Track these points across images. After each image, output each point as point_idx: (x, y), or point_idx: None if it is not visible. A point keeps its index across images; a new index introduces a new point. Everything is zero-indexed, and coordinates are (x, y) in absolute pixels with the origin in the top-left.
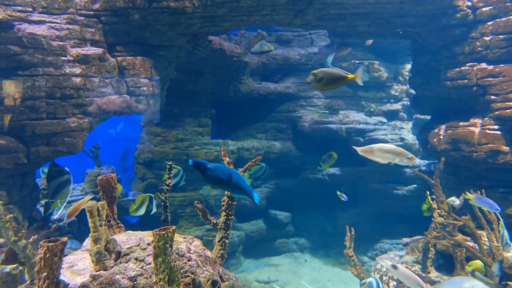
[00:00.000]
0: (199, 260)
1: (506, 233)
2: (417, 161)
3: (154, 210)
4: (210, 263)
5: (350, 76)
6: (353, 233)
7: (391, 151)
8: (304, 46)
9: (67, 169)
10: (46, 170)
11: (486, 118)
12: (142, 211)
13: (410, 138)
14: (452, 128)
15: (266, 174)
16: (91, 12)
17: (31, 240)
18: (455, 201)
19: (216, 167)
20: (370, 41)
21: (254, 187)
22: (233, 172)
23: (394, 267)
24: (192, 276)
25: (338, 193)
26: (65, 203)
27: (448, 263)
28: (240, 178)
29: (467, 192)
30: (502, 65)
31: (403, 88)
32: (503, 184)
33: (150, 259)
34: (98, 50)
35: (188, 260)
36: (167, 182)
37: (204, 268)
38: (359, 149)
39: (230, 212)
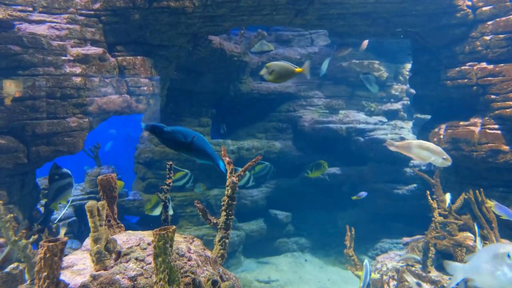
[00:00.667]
0: (199, 260)
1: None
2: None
3: (171, 212)
4: (210, 263)
5: (298, 69)
6: (353, 232)
7: (429, 149)
8: (304, 45)
9: (69, 172)
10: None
11: (486, 118)
12: (157, 212)
13: (410, 137)
14: (452, 128)
15: (271, 173)
16: (92, 12)
17: (31, 240)
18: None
19: (175, 130)
20: (365, 45)
21: (256, 187)
22: (196, 135)
23: (419, 284)
24: (192, 276)
25: (354, 197)
26: (68, 205)
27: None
28: (204, 142)
29: (487, 200)
30: (502, 64)
31: (403, 88)
32: (503, 184)
33: (150, 259)
34: (98, 50)
35: (188, 260)
36: (167, 182)
37: (205, 268)
38: (395, 144)
39: (230, 212)
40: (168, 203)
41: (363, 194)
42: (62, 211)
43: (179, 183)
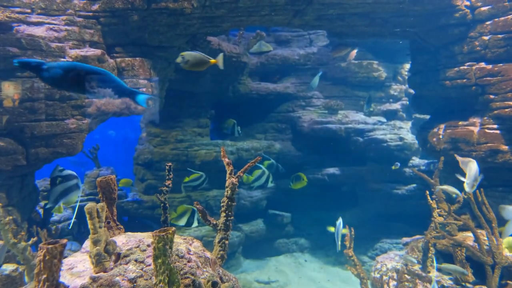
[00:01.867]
0: (199, 261)
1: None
2: (417, 160)
3: (195, 224)
4: (210, 264)
5: (212, 60)
6: (353, 232)
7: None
8: (303, 46)
9: (74, 173)
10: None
11: (485, 118)
12: (182, 222)
13: (409, 137)
14: (451, 128)
15: (280, 171)
16: (90, 13)
17: (30, 242)
18: (454, 191)
19: (56, 65)
20: (353, 55)
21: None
22: (83, 66)
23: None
24: (192, 277)
25: None
26: (76, 209)
27: (448, 263)
28: (103, 75)
29: (502, 205)
30: (501, 64)
31: (402, 88)
32: (502, 183)
33: (150, 260)
34: (97, 51)
35: (188, 261)
36: (166, 183)
37: (204, 269)
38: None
39: (229, 213)
40: (167, 205)
41: None
42: (72, 213)
43: (195, 183)
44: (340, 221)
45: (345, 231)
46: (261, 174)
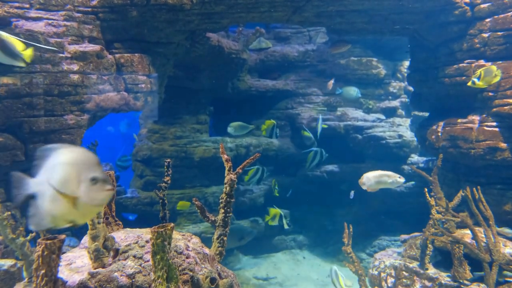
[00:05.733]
0: (197, 258)
1: None
2: (415, 158)
3: (286, 227)
4: (209, 260)
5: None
6: (351, 230)
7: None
8: (302, 43)
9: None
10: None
11: (484, 115)
12: (275, 222)
13: (408, 135)
14: (450, 125)
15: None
16: (89, 9)
17: (29, 237)
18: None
19: None
20: (330, 85)
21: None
22: None
23: None
24: (191, 273)
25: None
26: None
27: (446, 260)
28: None
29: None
30: (500, 62)
31: (401, 85)
32: (501, 181)
33: (148, 256)
34: (96, 47)
35: (187, 258)
36: (165, 180)
37: (203, 265)
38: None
39: (228, 210)
40: (166, 201)
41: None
42: None
43: (256, 177)
44: (335, 269)
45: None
46: (256, 171)
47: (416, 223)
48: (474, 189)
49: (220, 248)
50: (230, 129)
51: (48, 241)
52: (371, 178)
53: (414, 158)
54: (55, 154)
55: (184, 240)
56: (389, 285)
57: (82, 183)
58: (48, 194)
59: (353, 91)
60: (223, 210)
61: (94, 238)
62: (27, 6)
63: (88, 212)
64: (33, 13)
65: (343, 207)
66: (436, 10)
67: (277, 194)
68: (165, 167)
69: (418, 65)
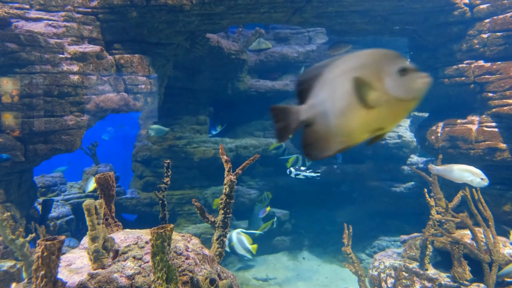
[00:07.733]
0: (197, 258)
1: None
2: (415, 158)
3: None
4: (208, 261)
5: None
6: (351, 230)
7: (469, 171)
8: (302, 43)
9: None
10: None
11: (484, 116)
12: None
13: (408, 135)
14: (450, 126)
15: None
16: (89, 10)
17: (28, 238)
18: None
19: None
20: None
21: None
22: None
23: None
24: (190, 274)
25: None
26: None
27: (445, 260)
28: None
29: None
30: (500, 62)
31: None
32: (500, 181)
33: (148, 257)
34: (95, 48)
35: (186, 259)
36: (164, 180)
37: (202, 266)
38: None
39: (228, 210)
40: (165, 202)
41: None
42: (60, 209)
43: (298, 164)
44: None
45: None
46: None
47: (416, 223)
48: (474, 189)
49: (219, 249)
50: (150, 131)
51: (48, 242)
52: (455, 169)
53: (414, 158)
54: (329, 68)
55: (184, 241)
56: (389, 285)
57: (386, 79)
58: (335, 108)
59: None
60: (222, 211)
61: (93, 239)
62: (27, 6)
63: (402, 109)
64: (33, 14)
65: (343, 207)
66: (435, 11)
67: (268, 209)
68: (165, 168)
69: (417, 66)
